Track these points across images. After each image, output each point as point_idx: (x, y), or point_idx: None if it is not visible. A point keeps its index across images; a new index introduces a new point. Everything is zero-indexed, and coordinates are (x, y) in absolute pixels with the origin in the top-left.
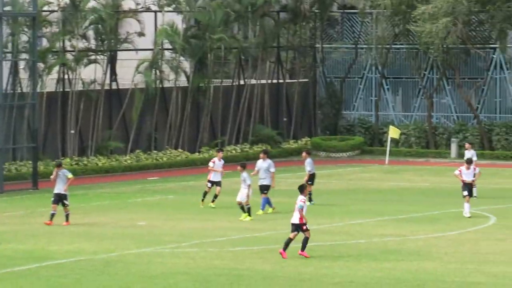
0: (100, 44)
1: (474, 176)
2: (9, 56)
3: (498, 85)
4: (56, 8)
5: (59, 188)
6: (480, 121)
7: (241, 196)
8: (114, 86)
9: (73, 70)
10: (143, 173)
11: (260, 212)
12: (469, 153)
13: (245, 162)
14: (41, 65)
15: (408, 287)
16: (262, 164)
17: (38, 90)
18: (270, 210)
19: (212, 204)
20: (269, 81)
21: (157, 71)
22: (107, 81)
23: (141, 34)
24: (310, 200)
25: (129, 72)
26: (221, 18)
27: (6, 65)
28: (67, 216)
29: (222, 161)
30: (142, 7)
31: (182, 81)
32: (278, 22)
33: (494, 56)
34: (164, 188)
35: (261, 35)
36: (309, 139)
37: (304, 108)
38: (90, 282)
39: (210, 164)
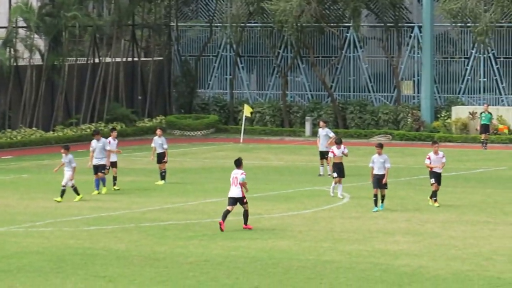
0: None
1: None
2: None
3: (352, 63)
4: None
5: None
6: (334, 100)
7: (66, 179)
8: None
9: None
10: None
11: (95, 192)
12: (323, 131)
13: (68, 144)
14: None
15: (263, 266)
16: (97, 144)
17: None
18: (104, 190)
19: (115, 187)
20: (124, 59)
21: (11, 49)
22: None
23: None
24: (163, 178)
25: None
26: None
27: None
28: None
29: (116, 140)
30: None
31: (37, 59)
32: (133, 0)
33: (347, 34)
34: (19, 167)
35: (115, 13)
36: (164, 117)
37: (159, 86)
38: None
39: (107, 147)
